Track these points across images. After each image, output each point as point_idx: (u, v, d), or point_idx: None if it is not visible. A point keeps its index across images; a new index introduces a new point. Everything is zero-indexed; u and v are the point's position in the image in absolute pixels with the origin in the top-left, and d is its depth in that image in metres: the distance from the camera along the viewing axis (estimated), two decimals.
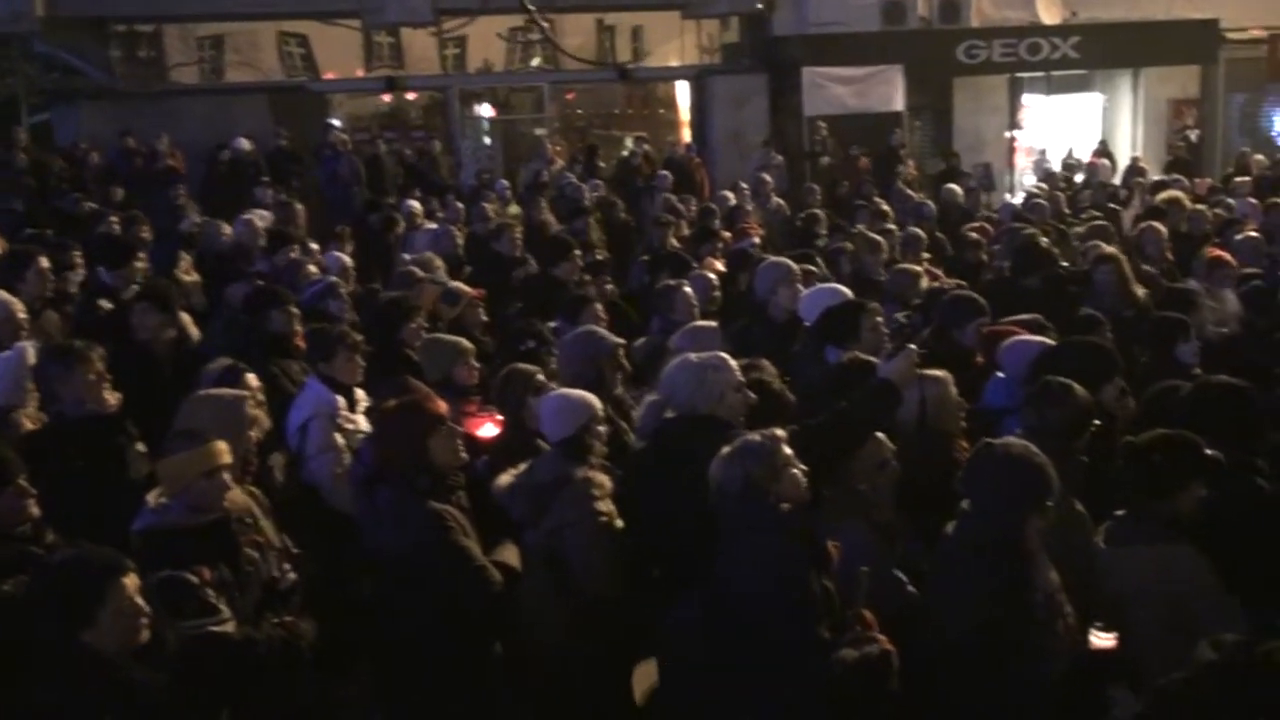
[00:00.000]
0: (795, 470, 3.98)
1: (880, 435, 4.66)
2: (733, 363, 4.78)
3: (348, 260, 9.54)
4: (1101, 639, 3.76)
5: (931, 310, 6.86)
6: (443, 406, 4.75)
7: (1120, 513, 4.41)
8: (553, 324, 7.27)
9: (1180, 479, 4.28)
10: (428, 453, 4.48)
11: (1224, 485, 4.34)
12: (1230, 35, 21.72)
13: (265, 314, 6.91)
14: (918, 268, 8.29)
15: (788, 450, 4.01)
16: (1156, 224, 10.08)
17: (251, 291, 7.53)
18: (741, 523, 3.89)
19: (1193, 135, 21.23)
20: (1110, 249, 8.66)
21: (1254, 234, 10.13)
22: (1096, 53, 20.84)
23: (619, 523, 4.67)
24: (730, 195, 14.36)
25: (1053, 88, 22.26)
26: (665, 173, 16.38)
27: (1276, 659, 1.94)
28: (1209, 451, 4.30)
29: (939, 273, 9.04)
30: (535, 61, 22.76)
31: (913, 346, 4.82)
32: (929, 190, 16.20)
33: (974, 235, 10.45)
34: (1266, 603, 4.14)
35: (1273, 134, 23.03)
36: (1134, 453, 4.40)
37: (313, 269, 8.88)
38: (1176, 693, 2.12)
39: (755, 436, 4.01)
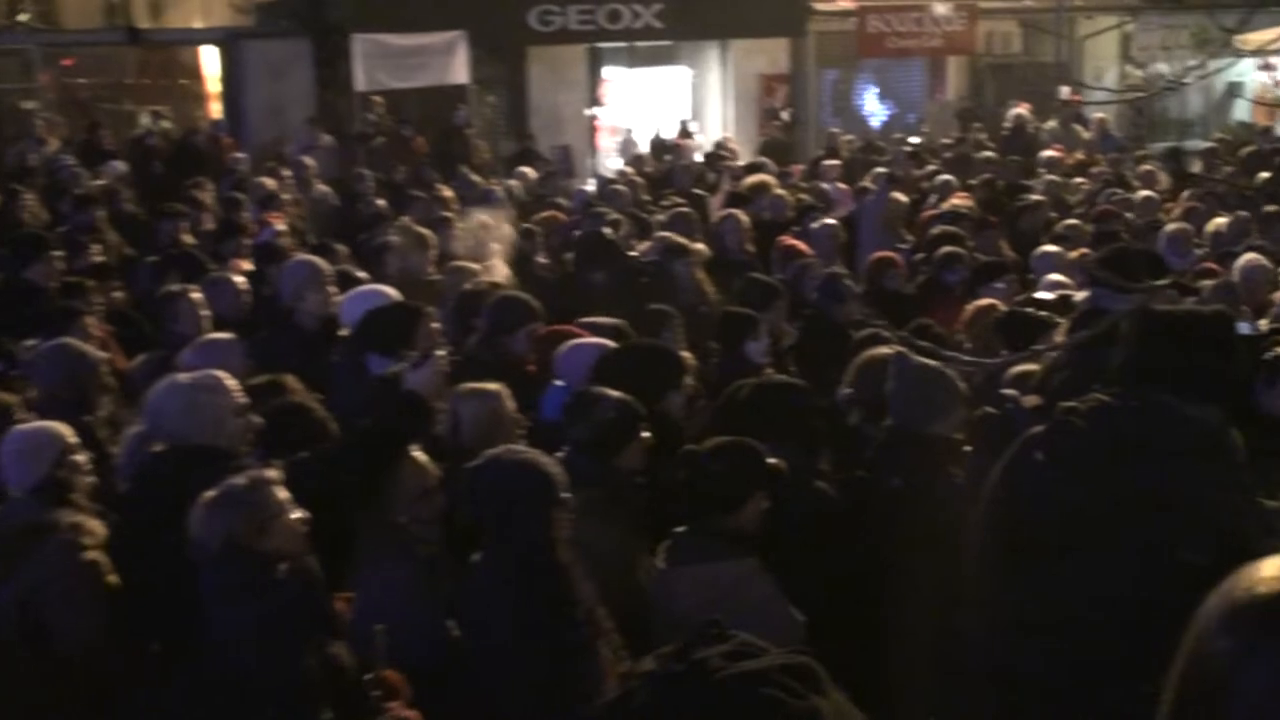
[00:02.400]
0: (290, 518, 3.86)
1: (420, 458, 4.71)
2: (232, 382, 4.69)
3: None
4: None
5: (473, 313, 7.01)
6: None
7: (681, 529, 4.66)
8: (29, 342, 6.88)
9: (742, 490, 4.56)
10: None
11: (785, 495, 4.67)
12: (819, 7, 23.44)
13: None
14: (475, 265, 8.44)
15: (281, 494, 3.89)
16: (737, 212, 10.75)
17: None
18: (222, 586, 3.77)
19: (785, 114, 22.79)
20: (680, 240, 9.15)
21: (830, 221, 10.99)
22: (681, 22, 21.84)
23: (113, 578, 4.48)
24: (267, 182, 14.08)
25: (636, 60, 23.26)
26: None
27: (710, 666, 2.12)
28: (770, 460, 4.61)
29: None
30: (23, 18, 21.47)
31: (441, 353, 4.91)
32: (504, 175, 16.55)
33: (533, 226, 10.78)
34: (827, 617, 4.52)
35: (864, 113, 25.14)
36: (692, 463, 4.65)
37: None
38: (610, 707, 2.28)
39: (240, 480, 3.88)
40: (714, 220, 11.41)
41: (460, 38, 19.89)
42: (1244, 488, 3.46)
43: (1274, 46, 23.12)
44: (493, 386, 5.36)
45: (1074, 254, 9.47)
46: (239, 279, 8.34)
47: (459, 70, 20.03)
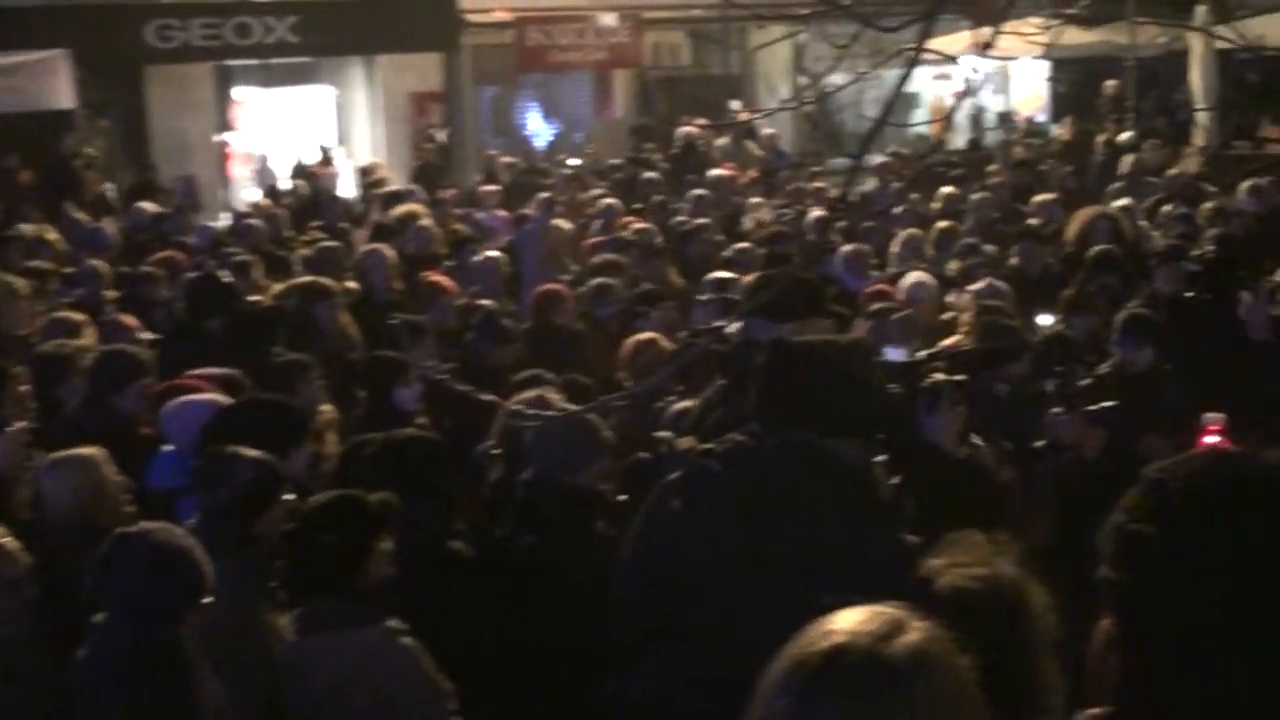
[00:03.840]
0: None
1: (6, 543, 4.53)
2: None
3: None
4: None
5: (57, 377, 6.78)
6: None
7: (308, 596, 4.62)
8: None
9: (359, 544, 4.55)
10: None
11: (418, 554, 4.68)
12: (474, 19, 23.53)
13: None
14: (78, 317, 8.16)
15: None
16: (382, 246, 10.71)
17: None
18: None
19: (440, 135, 22.82)
20: (322, 281, 9.08)
21: (493, 254, 11.08)
22: (319, 37, 21.58)
23: None
24: None
25: (272, 79, 22.91)
26: None
27: None
28: (375, 497, 4.60)
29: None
30: None
31: (22, 425, 4.74)
32: (123, 212, 16.04)
33: (152, 269, 10.52)
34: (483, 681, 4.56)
35: (527, 133, 25.43)
36: (304, 524, 4.62)
37: None
38: None
39: None
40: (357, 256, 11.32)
41: (63, 56, 19.13)
42: (889, 527, 3.64)
43: (950, 53, 24.64)
44: (87, 452, 5.20)
45: (748, 279, 9.78)
46: None
47: (62, 93, 19.24)
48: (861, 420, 3.73)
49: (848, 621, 1.92)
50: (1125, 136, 19.31)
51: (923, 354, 5.10)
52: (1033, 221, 12.76)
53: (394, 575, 4.61)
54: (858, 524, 3.55)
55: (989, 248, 11.13)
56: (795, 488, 3.55)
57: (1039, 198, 13.88)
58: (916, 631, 1.92)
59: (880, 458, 4.01)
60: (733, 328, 5.20)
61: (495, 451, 5.80)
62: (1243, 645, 1.91)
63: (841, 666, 1.85)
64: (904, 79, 3.98)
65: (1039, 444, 6.70)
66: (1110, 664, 2.07)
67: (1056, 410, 6.65)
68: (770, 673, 1.87)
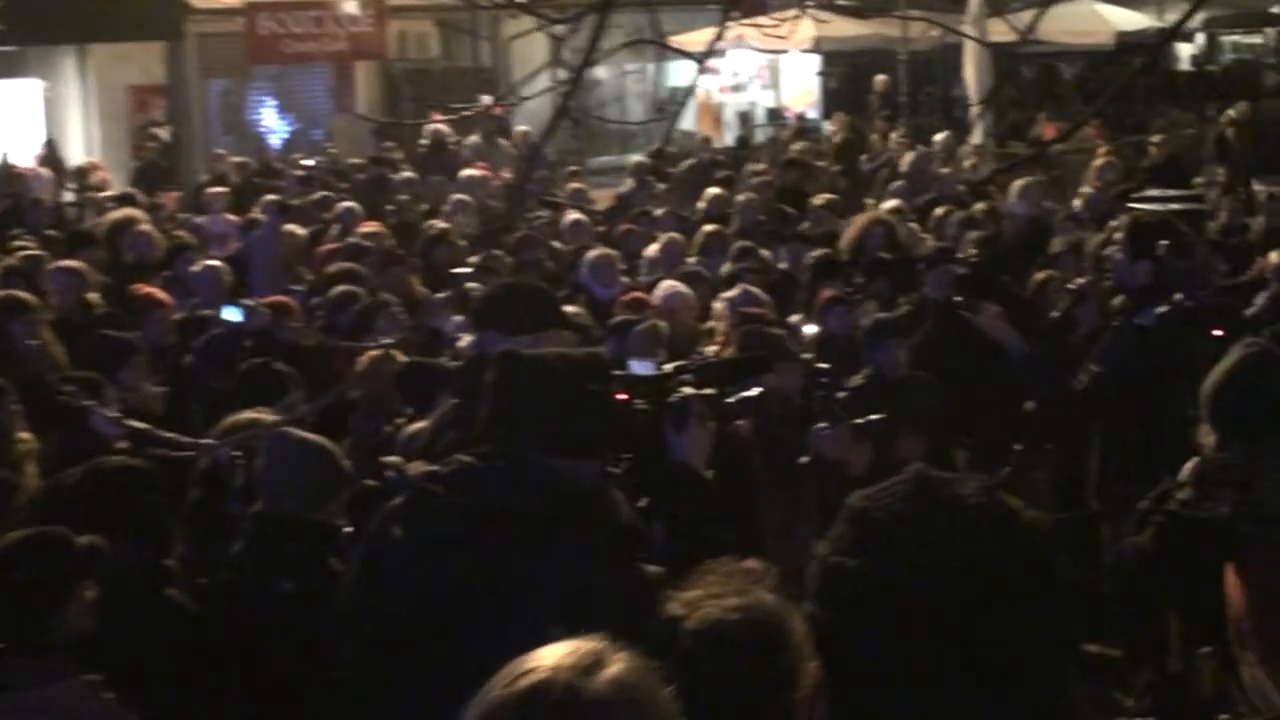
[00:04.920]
0: None
1: None
2: None
3: None
4: None
5: None
6: None
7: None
8: None
9: (58, 588, 4.39)
10: None
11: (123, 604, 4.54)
12: (199, 5, 23.08)
13: None
14: None
15: None
16: (73, 264, 10.29)
17: None
18: None
19: (163, 133, 22.31)
20: (19, 295, 8.79)
21: (215, 263, 10.83)
22: (23, 24, 20.80)
23: None
24: None
25: None
26: None
27: None
28: (84, 540, 4.44)
29: None
30: None
31: None
32: None
33: None
34: None
35: (260, 130, 25.01)
36: None
37: None
38: None
39: None
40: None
41: None
42: (629, 555, 3.65)
43: (718, 48, 24.97)
44: None
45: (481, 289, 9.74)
46: None
47: None
48: (598, 439, 3.73)
49: (546, 658, 1.91)
50: (894, 136, 19.83)
51: (670, 367, 5.10)
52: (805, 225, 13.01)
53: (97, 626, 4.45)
54: (593, 552, 3.54)
55: (765, 252, 11.27)
56: (524, 513, 3.53)
57: (816, 199, 14.14)
58: (617, 664, 1.92)
59: (620, 479, 4.02)
60: (466, 341, 5.16)
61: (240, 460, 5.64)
62: (949, 689, 1.91)
63: (541, 705, 1.85)
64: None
65: (803, 460, 6.80)
66: (818, 712, 2.06)
67: (821, 425, 6.75)
68: (467, 716, 1.86)
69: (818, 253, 10.55)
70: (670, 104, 28.02)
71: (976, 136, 20.37)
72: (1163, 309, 6.94)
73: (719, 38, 6.55)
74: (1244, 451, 4.53)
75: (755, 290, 8.76)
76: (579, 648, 1.93)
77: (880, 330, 7.97)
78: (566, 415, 3.67)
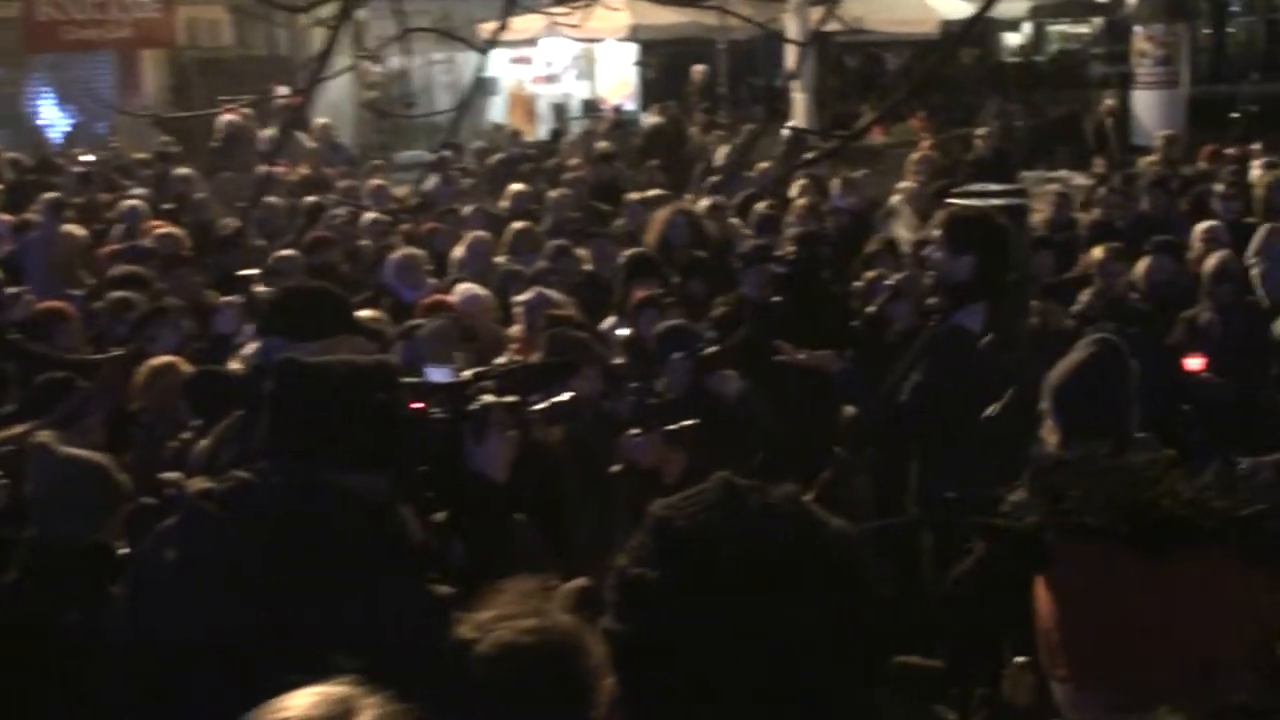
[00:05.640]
0: None
1: None
2: None
3: None
4: None
5: None
6: None
7: None
8: None
9: None
10: None
11: None
12: None
13: None
14: None
15: None
16: None
17: None
18: None
19: None
20: None
21: None
22: None
23: None
24: None
25: None
26: None
27: None
28: None
29: None
30: None
31: None
32: None
33: None
34: None
35: (40, 122, 24.45)
36: None
37: None
38: None
39: None
40: None
41: None
42: (418, 575, 3.60)
43: (526, 37, 24.95)
44: None
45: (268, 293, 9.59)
46: None
47: None
48: (384, 451, 3.68)
49: (294, 706, 1.90)
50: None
51: (468, 373, 5.05)
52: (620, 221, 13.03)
53: None
54: (378, 572, 3.49)
55: (581, 251, 11.23)
56: (305, 531, 3.47)
57: (631, 195, 14.16)
58: (368, 711, 1.91)
59: (414, 492, 3.98)
60: (250, 349, 5.08)
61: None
62: (750, 703, 1.90)
63: None
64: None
65: (615, 469, 6.81)
66: None
67: (633, 431, 6.76)
68: None
69: (630, 251, 10.53)
70: (482, 94, 27.96)
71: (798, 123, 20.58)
72: (980, 308, 7.01)
73: (502, 28, 6.50)
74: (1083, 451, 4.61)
75: (549, 292, 8.71)
76: (328, 695, 1.94)
77: (670, 337, 7.95)
78: (350, 426, 3.62)
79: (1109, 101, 23.40)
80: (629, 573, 1.97)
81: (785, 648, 1.90)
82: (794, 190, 14.09)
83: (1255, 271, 10.41)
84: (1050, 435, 5.17)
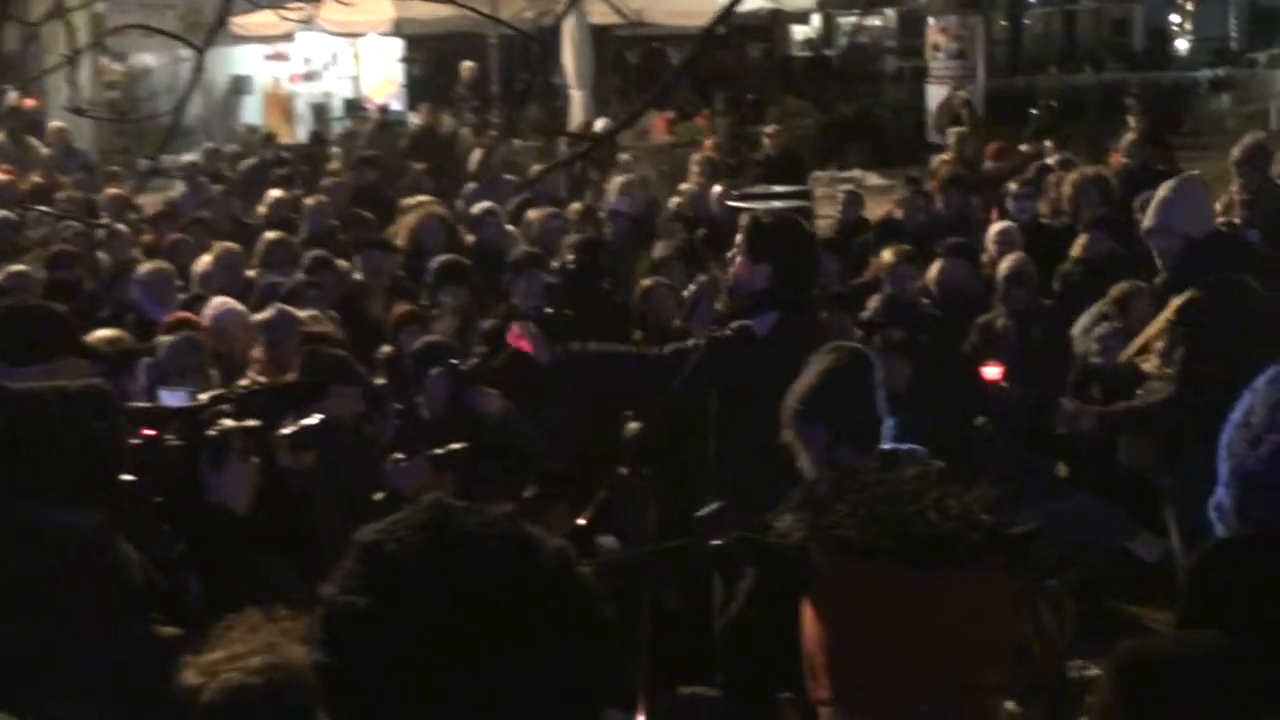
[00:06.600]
0: None
1: None
2: None
3: None
4: None
5: None
6: None
7: None
8: None
9: None
10: None
11: None
12: None
13: None
14: None
15: None
16: None
17: None
18: None
19: None
20: None
21: None
22: None
23: None
24: None
25: None
26: None
27: None
28: None
29: None
30: None
31: None
32: None
33: None
34: None
35: None
36: None
37: None
38: None
39: None
40: None
41: None
42: (138, 616, 3.51)
43: (282, 32, 24.56)
44: None
45: None
46: None
47: None
48: (98, 484, 3.56)
49: None
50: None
51: (205, 396, 4.92)
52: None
53: None
54: (95, 615, 3.38)
55: (342, 262, 11.08)
56: (11, 572, 3.35)
57: (405, 201, 14.03)
58: None
59: (143, 526, 3.87)
60: None
61: None
62: None
63: None
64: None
65: (377, 496, 6.70)
66: None
67: (396, 456, 6.66)
68: None
69: (442, 258, 10.35)
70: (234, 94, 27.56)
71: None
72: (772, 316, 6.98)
73: (221, 23, 6.29)
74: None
75: (289, 309, 8.48)
76: None
77: (427, 354, 7.86)
78: (58, 457, 3.50)
79: (960, 93, 23.60)
80: (336, 601, 1.95)
81: (500, 673, 1.90)
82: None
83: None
84: (798, 448, 5.15)
